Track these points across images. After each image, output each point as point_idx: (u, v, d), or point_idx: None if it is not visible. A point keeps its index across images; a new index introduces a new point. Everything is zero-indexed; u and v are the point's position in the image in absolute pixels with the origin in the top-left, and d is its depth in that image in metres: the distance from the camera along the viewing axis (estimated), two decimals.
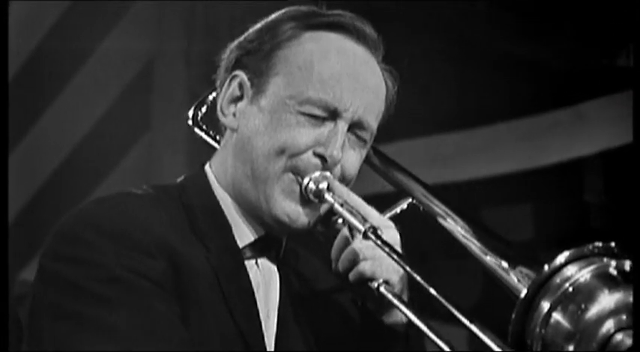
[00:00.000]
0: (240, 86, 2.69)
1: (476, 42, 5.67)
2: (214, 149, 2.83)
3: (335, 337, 2.71)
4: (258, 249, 2.68)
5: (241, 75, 2.69)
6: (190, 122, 3.02)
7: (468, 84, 5.78)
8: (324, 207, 2.64)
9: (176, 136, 5.77)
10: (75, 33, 6.07)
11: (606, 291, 2.29)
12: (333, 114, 2.63)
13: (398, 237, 2.63)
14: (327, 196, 2.60)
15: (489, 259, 2.55)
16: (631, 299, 2.28)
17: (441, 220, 2.70)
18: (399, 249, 2.57)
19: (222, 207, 2.68)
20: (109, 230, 2.50)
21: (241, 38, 2.73)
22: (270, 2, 2.85)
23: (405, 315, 2.50)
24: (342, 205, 2.59)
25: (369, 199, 2.64)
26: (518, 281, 2.44)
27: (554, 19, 5.59)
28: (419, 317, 2.44)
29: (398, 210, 2.76)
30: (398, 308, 2.52)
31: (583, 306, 2.28)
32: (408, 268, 2.49)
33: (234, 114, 2.69)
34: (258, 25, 2.72)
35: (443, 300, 2.38)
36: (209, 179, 2.71)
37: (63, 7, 6.10)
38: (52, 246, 2.54)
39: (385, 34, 2.73)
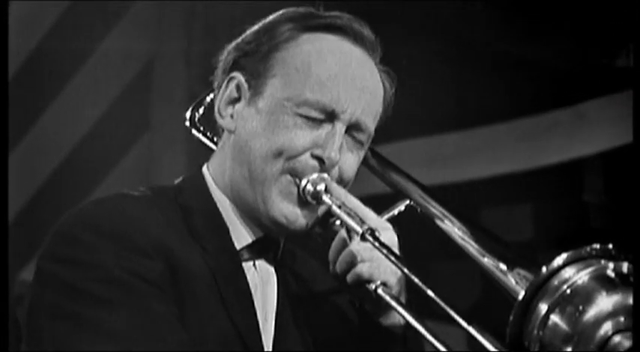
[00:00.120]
0: (238, 88, 2.69)
1: (474, 42, 5.66)
2: (213, 150, 2.83)
3: (333, 338, 2.70)
4: (256, 250, 2.68)
5: (239, 76, 2.69)
6: (188, 123, 3.02)
7: (467, 84, 5.76)
8: (321, 209, 2.64)
9: (175, 136, 5.76)
10: (75, 33, 6.07)
11: (604, 293, 2.29)
12: (331, 116, 2.62)
13: (395, 238, 2.63)
14: (325, 198, 2.60)
15: (487, 261, 2.55)
16: (629, 301, 2.27)
17: (438, 222, 2.69)
18: (396, 250, 2.57)
19: (220, 208, 2.68)
20: (108, 231, 2.50)
21: (239, 40, 2.73)
22: (270, 3, 2.85)
23: (403, 317, 2.50)
24: (339, 207, 2.59)
25: (367, 201, 2.64)
26: (516, 283, 2.44)
27: (554, 19, 5.57)
28: (417, 319, 2.44)
29: (395, 211, 2.76)
30: (396, 309, 2.52)
31: (581, 308, 2.28)
32: (405, 270, 2.48)
33: (231, 116, 2.69)
34: (256, 27, 2.72)
35: (440, 302, 2.38)
36: (207, 181, 2.71)
37: (63, 7, 6.09)
38: (50, 248, 2.54)
39: (383, 36, 2.73)
